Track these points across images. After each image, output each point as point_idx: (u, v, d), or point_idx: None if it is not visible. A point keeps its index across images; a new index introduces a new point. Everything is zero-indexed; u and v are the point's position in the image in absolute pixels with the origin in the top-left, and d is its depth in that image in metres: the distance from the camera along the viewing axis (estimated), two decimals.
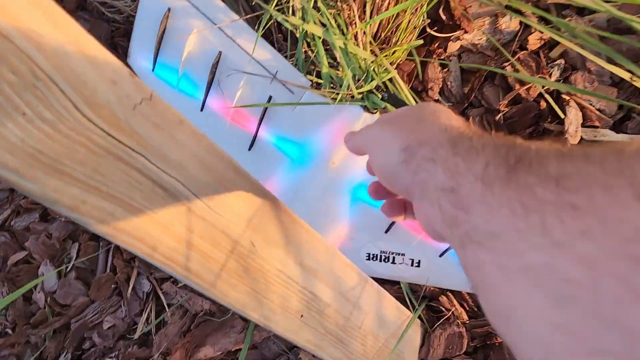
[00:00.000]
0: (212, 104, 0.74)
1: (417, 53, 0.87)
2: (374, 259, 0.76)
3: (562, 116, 0.87)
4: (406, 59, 0.87)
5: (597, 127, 0.89)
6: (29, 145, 0.34)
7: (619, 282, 0.19)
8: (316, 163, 0.72)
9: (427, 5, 0.79)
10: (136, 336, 0.94)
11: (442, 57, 0.89)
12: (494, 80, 0.89)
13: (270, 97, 0.70)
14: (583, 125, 0.89)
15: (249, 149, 0.72)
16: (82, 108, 0.36)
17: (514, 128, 0.85)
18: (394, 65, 0.82)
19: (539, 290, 0.22)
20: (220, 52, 0.68)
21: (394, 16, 0.77)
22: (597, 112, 0.89)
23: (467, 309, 0.82)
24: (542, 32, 0.88)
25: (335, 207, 0.74)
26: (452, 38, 0.89)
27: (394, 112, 0.46)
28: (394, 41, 0.78)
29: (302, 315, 0.58)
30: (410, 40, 0.81)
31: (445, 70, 0.89)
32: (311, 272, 0.58)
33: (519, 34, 0.89)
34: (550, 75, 0.89)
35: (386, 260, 0.76)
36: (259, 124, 0.71)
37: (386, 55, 0.78)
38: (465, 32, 0.88)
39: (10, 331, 1.11)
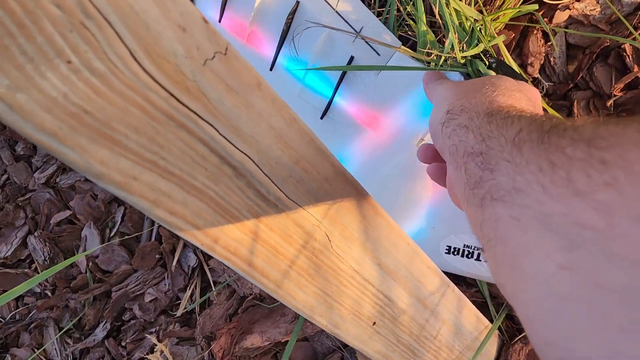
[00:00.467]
0: (283, 62, 0.64)
1: (518, 21, 0.75)
2: (455, 253, 0.65)
3: None
4: (504, 28, 0.75)
5: None
6: (73, 102, 0.26)
7: (635, 222, 0.19)
8: (397, 140, 0.62)
9: None
10: (179, 313, 0.88)
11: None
12: (607, 60, 0.76)
13: (351, 58, 0.59)
14: None
15: (322, 117, 0.61)
16: (141, 59, 0.28)
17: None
18: (496, 31, 0.71)
19: (551, 235, 0.22)
20: (297, 2, 0.58)
21: None
22: None
23: None
24: None
25: (414, 191, 0.63)
26: (559, 6, 0.77)
27: (471, 79, 0.45)
28: (497, 4, 0.67)
29: (374, 323, 0.50)
30: (517, 3, 0.69)
31: (549, 44, 0.77)
32: (389, 274, 0.49)
33: None
34: None
35: (469, 255, 0.65)
36: (336, 88, 0.60)
37: (493, 19, 0.66)
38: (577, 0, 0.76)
39: (49, 293, 1.07)
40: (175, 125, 0.30)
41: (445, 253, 0.66)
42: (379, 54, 0.58)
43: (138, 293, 0.96)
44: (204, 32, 0.30)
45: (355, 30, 0.57)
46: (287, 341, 0.80)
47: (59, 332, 1.01)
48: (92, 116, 0.27)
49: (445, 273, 0.58)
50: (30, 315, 1.06)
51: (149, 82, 0.28)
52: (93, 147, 0.28)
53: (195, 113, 0.31)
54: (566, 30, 0.78)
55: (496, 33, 0.70)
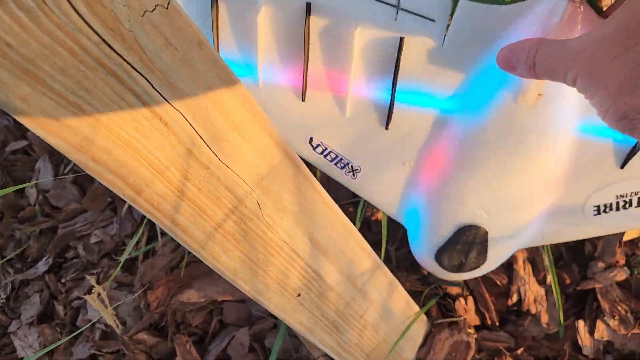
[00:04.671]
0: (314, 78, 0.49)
1: None
2: (607, 209, 0.55)
3: None
4: None
5: None
6: None
7: None
8: (494, 105, 0.46)
9: None
10: (122, 259, 0.88)
11: None
12: None
13: (401, 40, 0.44)
14: None
15: (386, 127, 0.49)
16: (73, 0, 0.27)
17: None
18: None
19: None
20: (309, 4, 0.44)
21: None
22: None
23: (488, 319, 0.74)
24: None
25: (544, 157, 0.51)
26: None
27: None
28: None
29: (299, 295, 0.51)
30: None
31: None
32: (320, 250, 0.50)
33: None
34: None
35: (627, 205, 0.54)
36: (394, 88, 0.46)
37: None
38: None
39: None
40: (105, 72, 0.30)
41: (595, 215, 0.55)
42: (433, 20, 0.43)
43: (84, 233, 0.95)
44: None
45: (393, 4, 0.42)
46: (224, 300, 0.80)
47: (1, 260, 1.00)
48: (15, 50, 0.27)
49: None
50: None
51: (80, 24, 0.28)
52: (14, 82, 0.27)
53: (128, 63, 0.31)
54: None
55: None
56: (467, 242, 0.54)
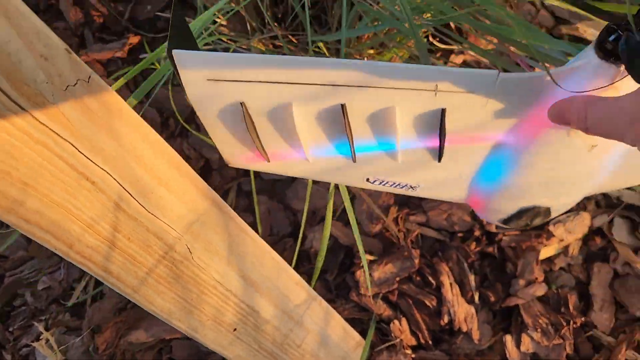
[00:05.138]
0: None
1: None
2: None
3: None
4: None
5: None
6: None
7: None
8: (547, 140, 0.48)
9: None
10: (70, 303, 0.89)
11: None
12: None
13: (443, 112, 0.45)
14: None
15: (439, 161, 0.50)
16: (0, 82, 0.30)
17: None
18: None
19: None
20: (343, 105, 0.43)
21: None
22: None
23: (421, 338, 0.78)
24: None
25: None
26: (455, 51, 0.84)
27: None
28: None
29: (235, 329, 0.54)
30: None
31: None
32: (253, 286, 0.54)
33: None
34: None
35: None
36: (441, 142, 0.47)
37: None
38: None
39: None
40: (33, 142, 0.33)
41: None
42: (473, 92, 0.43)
43: (32, 280, 0.96)
44: (67, 61, 0.33)
45: (432, 89, 0.43)
46: (172, 339, 0.82)
47: None
48: None
49: None
50: None
51: (7, 102, 0.31)
52: None
53: (54, 132, 0.34)
54: None
55: None
56: (531, 215, 0.56)
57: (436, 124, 0.45)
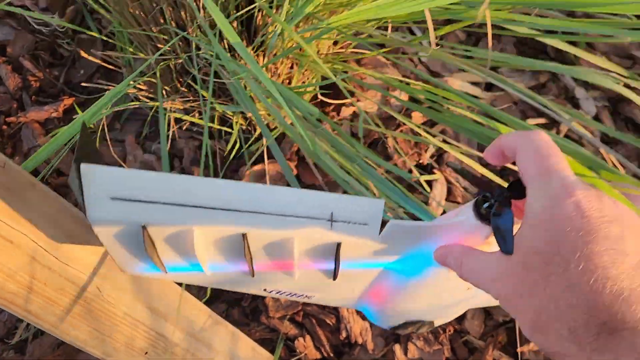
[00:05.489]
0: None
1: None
2: None
3: (428, 190, 0.97)
4: None
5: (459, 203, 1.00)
6: None
7: None
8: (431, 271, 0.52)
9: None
10: (14, 341, 0.98)
11: (335, 120, 0.98)
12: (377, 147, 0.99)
13: (338, 246, 0.47)
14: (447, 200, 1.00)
15: (334, 279, 0.51)
16: None
17: None
18: None
19: None
20: (244, 235, 0.45)
21: None
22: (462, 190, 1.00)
23: (324, 352, 0.90)
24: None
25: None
26: (346, 103, 0.98)
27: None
28: None
29: (146, 353, 0.65)
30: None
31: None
32: (160, 315, 0.64)
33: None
34: (426, 151, 1.00)
35: None
36: (336, 269, 0.49)
37: None
38: (358, 100, 0.97)
39: None
40: None
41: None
42: (366, 224, 0.46)
43: None
44: None
45: (326, 218, 0.45)
46: None
47: None
48: None
49: None
50: None
51: None
52: None
53: None
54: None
55: None
56: (417, 326, 0.62)
57: (332, 252, 0.48)
